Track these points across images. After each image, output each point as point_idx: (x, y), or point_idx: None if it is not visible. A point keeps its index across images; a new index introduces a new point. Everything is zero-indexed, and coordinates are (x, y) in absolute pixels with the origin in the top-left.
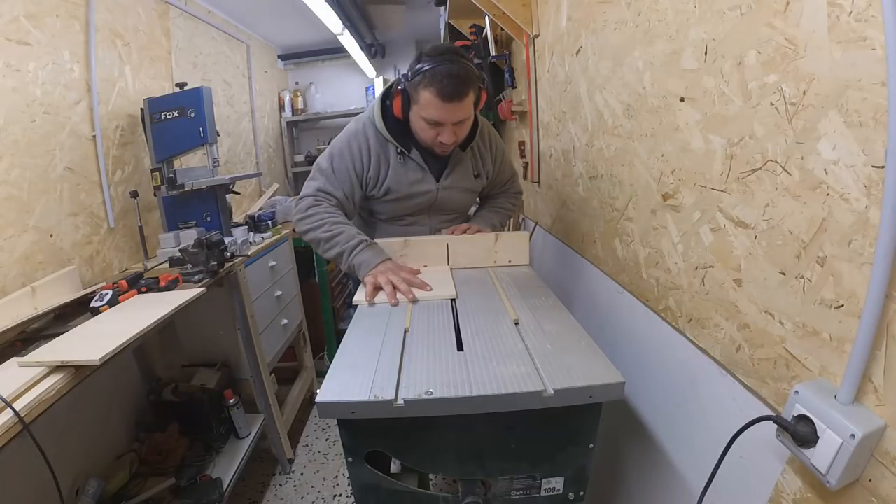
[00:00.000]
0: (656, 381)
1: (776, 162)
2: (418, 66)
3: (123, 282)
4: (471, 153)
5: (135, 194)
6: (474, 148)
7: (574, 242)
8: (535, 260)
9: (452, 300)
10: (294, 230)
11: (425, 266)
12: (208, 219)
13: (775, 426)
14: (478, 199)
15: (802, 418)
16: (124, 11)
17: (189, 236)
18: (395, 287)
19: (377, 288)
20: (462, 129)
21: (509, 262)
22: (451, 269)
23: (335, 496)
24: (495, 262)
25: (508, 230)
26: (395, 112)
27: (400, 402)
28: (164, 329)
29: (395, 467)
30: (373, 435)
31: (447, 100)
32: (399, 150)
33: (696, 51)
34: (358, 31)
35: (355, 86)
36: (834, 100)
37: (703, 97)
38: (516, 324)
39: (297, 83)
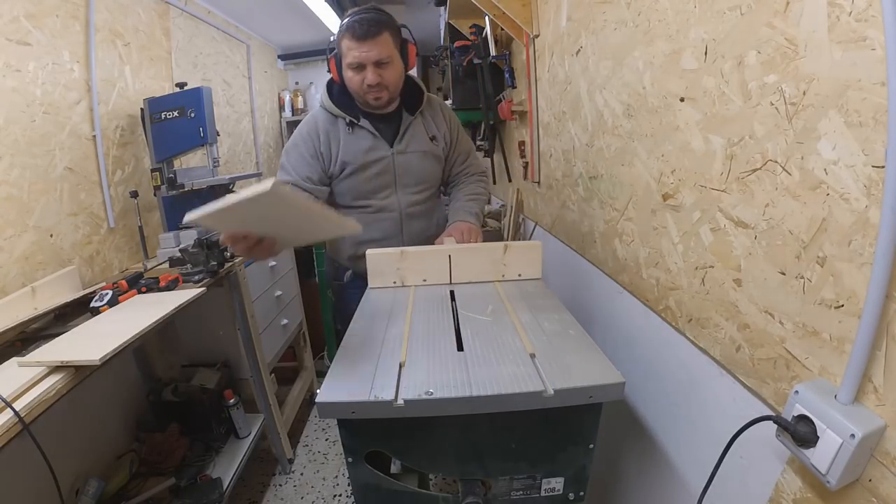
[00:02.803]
0: (656, 381)
1: (776, 162)
2: (339, 27)
3: (123, 282)
4: (421, 117)
5: (135, 194)
6: (424, 112)
7: (574, 242)
8: None
9: (451, 292)
10: None
11: (424, 280)
12: None
13: (775, 426)
14: (444, 190)
15: (802, 418)
16: (124, 11)
17: (189, 236)
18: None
19: None
20: (388, 72)
21: (519, 275)
22: (454, 283)
23: (335, 496)
24: (503, 276)
25: (511, 234)
26: (333, 76)
27: (400, 402)
28: (164, 329)
29: (395, 467)
30: (373, 435)
31: (360, 39)
32: (348, 121)
33: (696, 51)
34: None
35: None
36: (834, 100)
37: (703, 97)
38: (532, 357)
39: (297, 83)
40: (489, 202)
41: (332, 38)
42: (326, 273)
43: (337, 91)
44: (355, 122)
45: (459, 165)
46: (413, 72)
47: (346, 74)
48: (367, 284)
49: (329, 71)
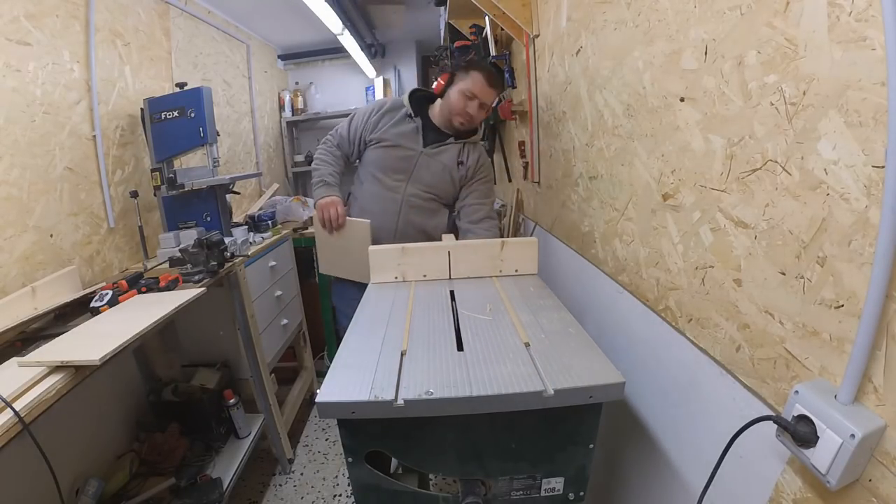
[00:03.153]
0: (656, 381)
1: (776, 162)
2: (470, 60)
3: (123, 282)
4: (460, 146)
5: (135, 194)
6: (465, 146)
7: (574, 242)
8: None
9: (451, 292)
10: None
11: (425, 276)
12: (208, 219)
13: (775, 426)
14: (456, 219)
15: (802, 418)
16: (124, 11)
17: (189, 236)
18: (325, 218)
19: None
20: (481, 113)
21: (515, 271)
22: (453, 278)
23: (335, 496)
24: (500, 272)
25: (511, 234)
26: (438, 87)
27: (400, 402)
28: (164, 329)
29: (395, 467)
30: (373, 435)
31: (489, 84)
32: (408, 113)
33: (696, 51)
34: (358, 31)
35: (355, 86)
36: (834, 100)
37: (703, 97)
38: (527, 346)
39: (297, 83)
40: None
41: (453, 64)
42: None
43: (416, 97)
44: (412, 116)
45: (475, 199)
46: (413, 72)
47: (454, 94)
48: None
49: (436, 81)
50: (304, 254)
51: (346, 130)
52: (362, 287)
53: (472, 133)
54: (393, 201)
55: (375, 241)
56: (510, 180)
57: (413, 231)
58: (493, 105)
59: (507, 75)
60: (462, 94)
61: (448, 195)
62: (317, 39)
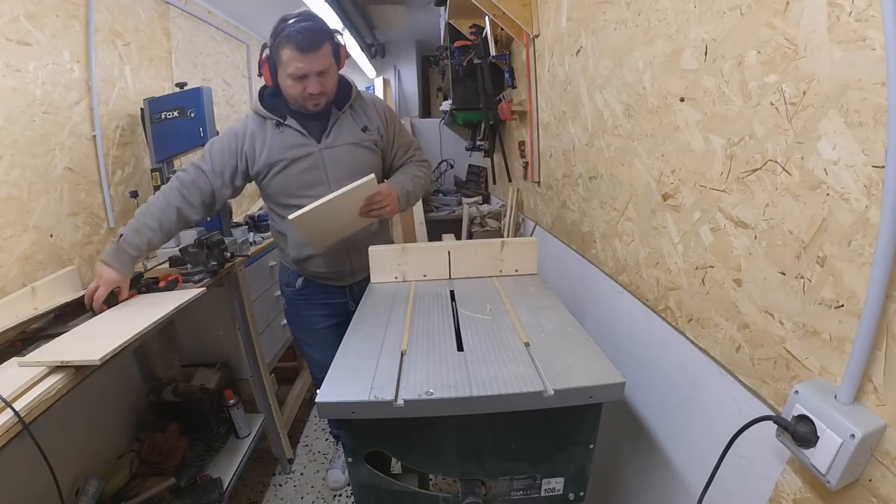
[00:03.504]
0: (656, 381)
1: (776, 162)
2: (274, 31)
3: None
4: (350, 111)
5: (135, 194)
6: (353, 106)
7: (574, 242)
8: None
9: (451, 292)
10: None
11: (425, 275)
12: (208, 218)
13: (775, 426)
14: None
15: (802, 418)
16: (124, 11)
17: (189, 236)
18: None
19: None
20: (327, 79)
21: (515, 271)
22: (453, 278)
23: (335, 496)
24: (500, 272)
25: (511, 234)
26: (266, 81)
27: (400, 402)
28: (164, 329)
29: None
30: (373, 435)
31: (305, 52)
32: (275, 122)
33: (696, 51)
34: (358, 31)
35: None
36: (834, 100)
37: (703, 97)
38: (527, 346)
39: None
40: (438, 196)
41: (266, 45)
42: (280, 279)
43: (267, 94)
44: (282, 121)
45: (401, 158)
46: (413, 72)
47: (285, 83)
48: (320, 292)
49: (261, 75)
50: None
51: (208, 165)
52: (330, 309)
53: (345, 91)
54: None
55: (332, 265)
56: (510, 180)
57: (363, 234)
58: (339, 63)
59: (507, 75)
60: (290, 78)
61: (374, 169)
62: None
